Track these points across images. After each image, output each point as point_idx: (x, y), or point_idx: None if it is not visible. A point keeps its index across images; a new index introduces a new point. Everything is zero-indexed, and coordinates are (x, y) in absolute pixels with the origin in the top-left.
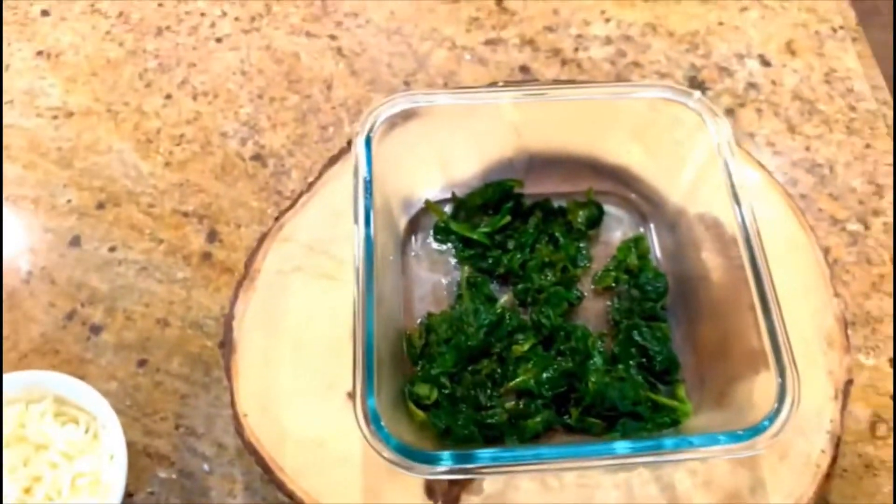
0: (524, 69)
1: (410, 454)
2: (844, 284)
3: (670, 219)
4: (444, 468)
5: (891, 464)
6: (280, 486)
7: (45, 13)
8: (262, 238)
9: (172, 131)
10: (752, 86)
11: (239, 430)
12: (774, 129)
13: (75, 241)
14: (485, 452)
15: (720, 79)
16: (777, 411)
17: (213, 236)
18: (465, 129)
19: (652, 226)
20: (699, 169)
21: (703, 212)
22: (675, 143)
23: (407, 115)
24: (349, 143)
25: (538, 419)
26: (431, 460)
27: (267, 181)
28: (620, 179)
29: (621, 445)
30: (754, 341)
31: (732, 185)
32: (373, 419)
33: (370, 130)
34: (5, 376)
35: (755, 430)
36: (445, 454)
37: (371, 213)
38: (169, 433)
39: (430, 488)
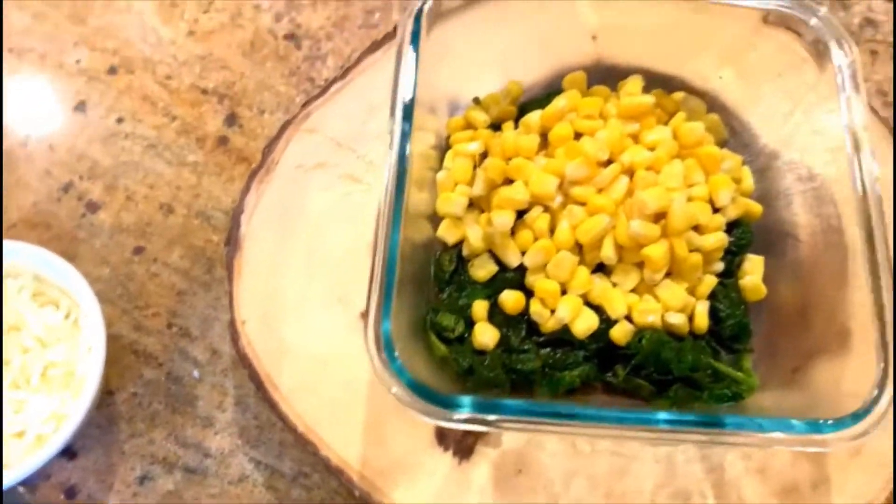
0: None
1: (425, 393)
2: None
3: (759, 162)
4: (462, 415)
5: None
6: (273, 405)
7: None
8: (285, 126)
9: None
10: (869, 22)
11: (234, 337)
12: (888, 75)
13: (80, 107)
14: (512, 403)
15: (832, 9)
16: (873, 402)
17: (232, 119)
18: (533, 25)
19: None
20: (804, 107)
21: (798, 159)
22: (778, 74)
23: (466, 1)
24: (396, 28)
25: (576, 372)
26: (449, 404)
27: (299, 65)
28: (707, 108)
29: (674, 417)
30: (846, 316)
31: (855, 129)
32: (385, 346)
33: (423, 5)
34: None
35: (841, 423)
36: (466, 399)
37: (413, 103)
38: (160, 331)
39: (442, 433)
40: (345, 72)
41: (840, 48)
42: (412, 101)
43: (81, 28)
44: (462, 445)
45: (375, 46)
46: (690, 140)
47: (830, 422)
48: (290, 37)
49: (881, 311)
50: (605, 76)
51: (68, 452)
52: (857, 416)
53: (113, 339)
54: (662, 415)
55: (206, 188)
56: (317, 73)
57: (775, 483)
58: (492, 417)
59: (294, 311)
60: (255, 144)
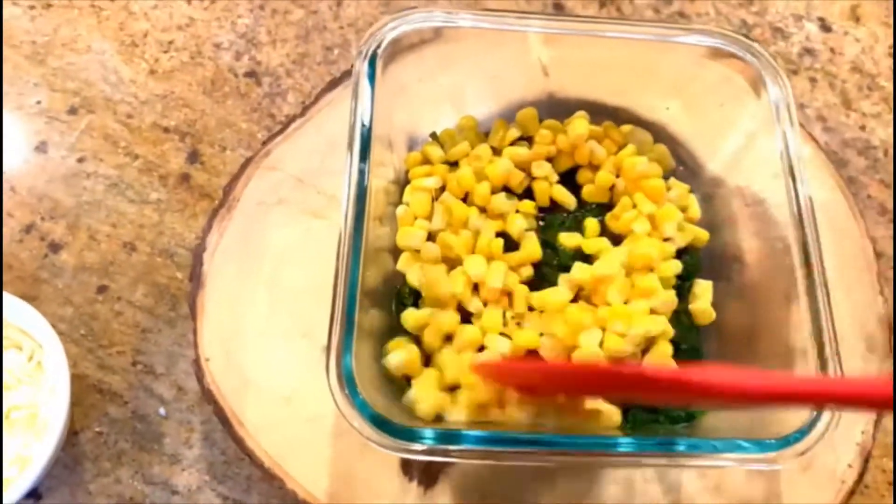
0: (558, 6)
1: (386, 427)
2: (887, 281)
3: (706, 189)
4: (423, 447)
5: None
6: (239, 442)
7: None
8: (246, 163)
9: (161, 36)
10: (807, 51)
11: (199, 374)
12: (827, 102)
13: (41, 147)
14: (472, 434)
15: (773, 40)
16: (814, 422)
17: (194, 157)
18: (485, 61)
19: None
20: (746, 136)
21: (743, 185)
22: (721, 104)
23: (421, 40)
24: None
25: None
26: (411, 437)
27: (260, 102)
28: (654, 139)
29: (628, 442)
30: (790, 335)
31: (790, 159)
32: (348, 382)
33: (377, 48)
34: None
35: (784, 442)
36: (428, 431)
37: (370, 143)
38: (125, 369)
39: (407, 464)
40: (304, 109)
41: (775, 83)
42: (368, 140)
43: (42, 69)
44: (427, 474)
45: (333, 84)
46: (635, 174)
47: (775, 441)
48: (251, 74)
49: (819, 333)
50: (557, 109)
51: (34, 494)
52: (800, 435)
53: (77, 379)
54: (619, 440)
55: (168, 225)
56: (277, 109)
57: (730, 499)
58: (453, 448)
59: (258, 348)
60: (218, 181)
